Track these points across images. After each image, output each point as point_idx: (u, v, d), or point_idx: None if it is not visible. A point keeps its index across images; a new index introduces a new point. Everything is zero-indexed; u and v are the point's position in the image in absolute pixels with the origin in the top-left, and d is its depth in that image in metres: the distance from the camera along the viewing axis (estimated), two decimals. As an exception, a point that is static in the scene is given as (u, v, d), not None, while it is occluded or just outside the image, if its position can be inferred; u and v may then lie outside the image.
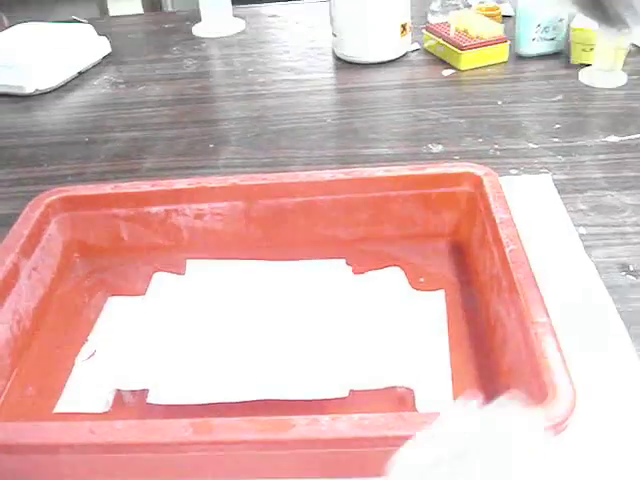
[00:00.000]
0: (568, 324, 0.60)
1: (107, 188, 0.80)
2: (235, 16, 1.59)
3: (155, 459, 0.55)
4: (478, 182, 0.74)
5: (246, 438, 0.51)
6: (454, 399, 0.61)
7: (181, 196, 0.79)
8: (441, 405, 0.60)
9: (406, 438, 0.50)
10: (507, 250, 0.64)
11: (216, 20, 1.55)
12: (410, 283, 0.72)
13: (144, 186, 0.80)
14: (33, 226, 0.75)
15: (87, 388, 0.66)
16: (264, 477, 0.56)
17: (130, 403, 0.63)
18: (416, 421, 0.51)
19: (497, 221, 0.68)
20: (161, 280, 0.74)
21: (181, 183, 0.79)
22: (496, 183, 0.73)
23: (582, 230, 0.81)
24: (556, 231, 0.81)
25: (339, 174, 0.78)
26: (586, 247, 0.78)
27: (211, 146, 1.08)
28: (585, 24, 1.17)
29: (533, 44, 1.24)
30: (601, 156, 0.96)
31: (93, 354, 0.69)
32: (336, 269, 0.73)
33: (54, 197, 0.79)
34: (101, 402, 0.64)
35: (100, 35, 1.44)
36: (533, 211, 0.83)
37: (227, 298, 0.70)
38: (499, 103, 1.12)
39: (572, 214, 0.83)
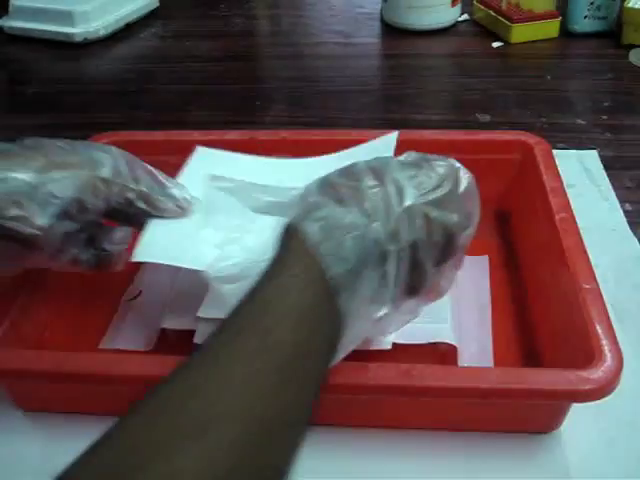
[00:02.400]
0: (611, 297, 0.61)
1: (158, 135, 0.81)
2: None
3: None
4: (529, 150, 0.74)
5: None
6: (494, 360, 0.62)
7: (232, 147, 0.79)
8: (481, 365, 0.61)
9: (451, 390, 0.51)
10: (557, 217, 0.64)
11: (265, -20, 1.55)
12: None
13: (195, 135, 0.80)
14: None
15: (132, 326, 0.67)
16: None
17: (175, 343, 0.64)
18: (461, 374, 0.52)
19: (547, 189, 0.67)
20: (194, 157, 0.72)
21: (232, 134, 0.80)
22: (547, 152, 0.73)
23: (628, 207, 0.81)
24: (601, 206, 0.81)
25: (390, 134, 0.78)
26: (631, 223, 0.78)
27: (257, 103, 1.08)
28: (638, 4, 1.15)
29: (584, 21, 1.23)
30: (650, 135, 0.95)
31: (139, 294, 0.71)
32: None
33: (106, 140, 0.79)
34: (146, 340, 0.65)
35: (149, -12, 1.45)
36: (579, 186, 0.83)
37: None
38: (548, 78, 1.11)
39: (618, 191, 0.83)
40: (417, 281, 0.48)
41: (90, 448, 0.36)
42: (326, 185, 0.47)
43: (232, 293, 0.53)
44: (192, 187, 0.63)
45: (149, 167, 0.61)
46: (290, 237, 0.44)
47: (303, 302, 0.41)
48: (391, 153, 0.64)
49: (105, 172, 0.56)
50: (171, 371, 0.38)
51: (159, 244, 0.58)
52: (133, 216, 0.59)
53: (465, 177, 0.51)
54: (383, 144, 0.67)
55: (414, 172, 0.48)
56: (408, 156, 0.51)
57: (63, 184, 0.54)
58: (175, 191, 0.61)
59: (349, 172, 0.48)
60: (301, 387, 0.40)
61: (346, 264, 0.43)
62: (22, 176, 0.53)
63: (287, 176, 0.66)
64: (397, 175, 0.47)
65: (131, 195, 0.58)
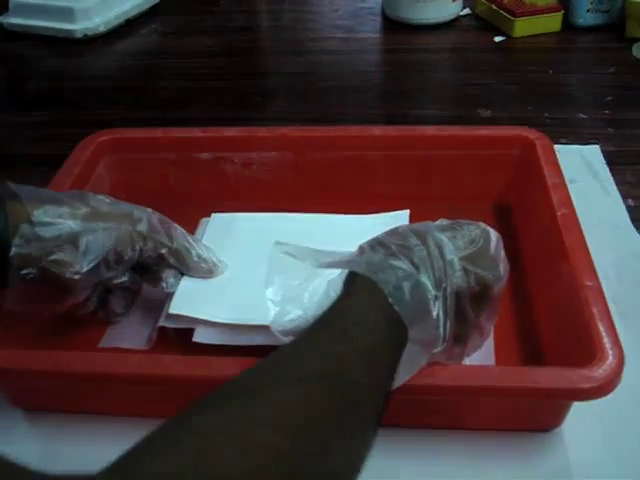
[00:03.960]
0: (613, 294, 0.60)
1: (157, 132, 0.81)
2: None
3: (200, 395, 0.55)
4: (531, 145, 0.73)
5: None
6: (495, 358, 0.61)
7: (231, 144, 0.79)
8: (483, 363, 0.60)
9: (450, 388, 0.51)
10: (558, 213, 0.63)
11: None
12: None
13: (194, 132, 0.80)
14: (83, 165, 0.76)
15: (131, 325, 0.67)
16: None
17: (174, 342, 0.63)
18: (461, 373, 0.52)
19: (549, 185, 0.67)
20: (211, 223, 0.74)
21: (231, 131, 0.80)
22: (548, 147, 0.72)
23: (630, 202, 0.80)
24: (603, 202, 0.80)
25: (390, 130, 0.78)
26: (633, 219, 0.77)
27: (258, 99, 1.08)
28: (641, -2, 1.15)
29: (587, 15, 1.22)
30: (652, 130, 0.95)
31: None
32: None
33: (105, 138, 0.79)
34: (145, 339, 0.65)
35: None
36: (581, 181, 0.82)
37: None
38: (550, 72, 1.11)
39: (620, 186, 0.83)
40: (462, 327, 0.51)
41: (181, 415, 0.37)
42: (377, 244, 0.51)
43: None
44: (217, 250, 0.68)
45: (181, 228, 0.65)
46: (356, 277, 0.49)
47: (378, 318, 0.46)
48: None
49: (143, 227, 0.61)
50: (253, 365, 0.42)
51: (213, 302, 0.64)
52: (156, 272, 0.64)
53: (494, 237, 0.55)
54: (397, 218, 0.72)
55: (450, 233, 0.53)
56: (442, 221, 0.56)
57: (104, 234, 0.58)
58: (204, 252, 0.66)
59: (396, 233, 0.53)
60: (374, 389, 0.44)
61: (405, 304, 0.47)
62: (68, 223, 0.56)
63: (317, 234, 0.71)
64: (437, 235, 0.52)
65: (164, 251, 0.63)
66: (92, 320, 0.65)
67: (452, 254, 0.51)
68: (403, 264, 0.49)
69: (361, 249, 0.52)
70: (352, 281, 0.49)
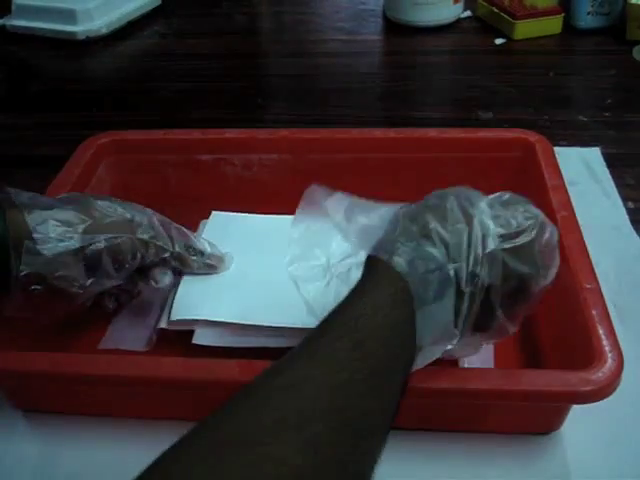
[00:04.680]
0: (613, 296, 0.60)
1: (158, 134, 0.81)
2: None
3: (200, 397, 0.55)
4: (530, 148, 0.73)
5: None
6: (495, 361, 0.61)
7: (231, 146, 0.79)
8: (482, 366, 0.60)
9: (449, 392, 0.51)
10: (558, 216, 0.63)
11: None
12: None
13: (195, 134, 0.80)
14: (84, 166, 0.76)
15: (131, 327, 0.67)
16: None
17: (174, 343, 0.63)
18: (461, 376, 0.52)
19: (548, 187, 0.67)
20: (210, 221, 0.75)
21: (232, 133, 0.80)
22: (548, 150, 0.72)
23: (630, 204, 0.80)
24: (603, 204, 0.81)
25: (391, 132, 0.78)
26: (633, 221, 0.77)
27: (259, 101, 1.08)
28: (642, 0, 1.15)
29: (588, 17, 1.22)
30: (653, 132, 0.95)
31: (138, 295, 0.70)
32: None
33: (105, 139, 0.80)
34: (145, 341, 0.65)
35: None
36: (581, 183, 0.82)
37: (275, 246, 0.70)
38: (551, 74, 1.11)
39: (620, 188, 0.83)
40: (485, 321, 0.48)
41: (194, 430, 0.37)
42: (415, 217, 0.48)
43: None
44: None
45: (182, 228, 0.66)
46: (378, 263, 0.46)
47: (393, 319, 0.43)
48: None
49: (144, 234, 0.61)
50: (267, 368, 0.40)
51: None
52: (158, 273, 0.64)
53: (549, 230, 0.50)
54: None
55: (502, 215, 0.49)
56: (502, 195, 0.52)
57: (106, 247, 0.58)
58: (207, 248, 0.67)
59: (440, 204, 0.50)
60: (386, 397, 0.42)
61: (426, 296, 0.45)
62: (70, 237, 0.56)
63: None
64: (484, 220, 0.48)
65: (166, 255, 0.63)
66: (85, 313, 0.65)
67: (495, 244, 0.46)
68: (436, 252, 0.45)
69: (396, 218, 0.49)
70: (375, 268, 0.46)
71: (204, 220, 0.75)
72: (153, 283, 0.64)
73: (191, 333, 0.62)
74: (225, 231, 0.73)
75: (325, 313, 0.44)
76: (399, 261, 0.45)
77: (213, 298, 0.65)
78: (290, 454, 0.35)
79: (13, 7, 1.36)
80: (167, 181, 0.81)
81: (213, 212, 0.76)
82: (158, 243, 0.62)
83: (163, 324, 0.64)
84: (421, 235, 0.46)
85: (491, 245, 0.46)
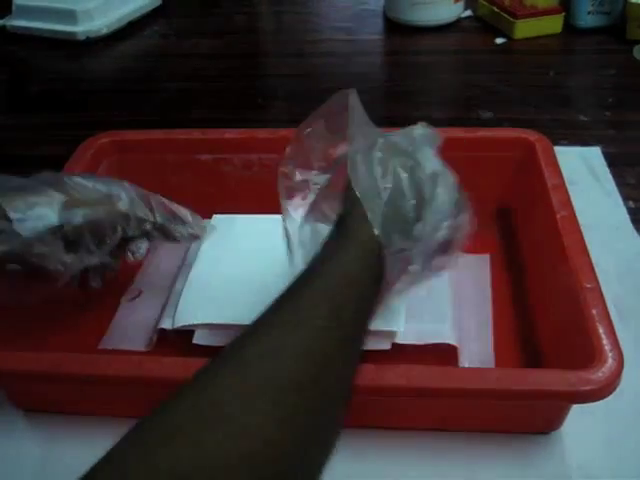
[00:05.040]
0: (613, 295, 0.60)
1: (158, 134, 0.81)
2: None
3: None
4: (531, 148, 0.73)
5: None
6: (495, 360, 0.61)
7: (231, 145, 0.79)
8: (482, 365, 0.60)
9: (450, 391, 0.51)
10: (558, 216, 0.63)
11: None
12: (456, 245, 0.72)
13: (195, 133, 0.80)
14: (84, 167, 0.76)
15: (132, 327, 0.67)
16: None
17: (174, 343, 0.63)
18: (460, 376, 0.52)
19: (548, 187, 0.67)
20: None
21: (231, 133, 0.80)
22: (548, 149, 0.72)
23: (631, 204, 0.80)
24: (604, 203, 0.80)
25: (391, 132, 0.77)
26: (634, 221, 0.77)
27: (259, 101, 1.08)
28: (642, -1, 1.15)
29: (588, 17, 1.22)
30: (653, 132, 0.95)
31: (138, 295, 0.71)
32: None
33: (106, 139, 0.80)
34: (145, 341, 0.65)
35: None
36: (582, 183, 0.82)
37: (276, 247, 0.70)
38: (551, 74, 1.11)
39: (621, 187, 0.83)
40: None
41: (171, 400, 0.37)
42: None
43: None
44: (218, 253, 0.70)
45: (161, 198, 0.65)
46: (354, 221, 0.48)
47: (364, 288, 0.45)
48: None
49: (123, 205, 0.60)
50: (242, 333, 0.40)
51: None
52: (134, 245, 0.63)
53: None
54: None
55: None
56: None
57: (85, 221, 0.57)
58: (188, 217, 0.66)
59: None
60: (354, 363, 0.43)
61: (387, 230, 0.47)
62: (47, 215, 0.55)
63: None
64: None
65: (148, 227, 0.62)
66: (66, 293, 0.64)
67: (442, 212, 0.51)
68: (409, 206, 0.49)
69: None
70: (351, 226, 0.47)
71: (204, 220, 0.75)
72: (130, 255, 0.63)
73: (191, 333, 0.62)
74: (226, 233, 0.73)
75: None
76: (374, 212, 0.47)
77: (215, 301, 0.65)
78: (267, 425, 0.35)
79: (13, 7, 1.36)
80: (167, 181, 0.81)
81: (214, 215, 0.75)
82: (138, 215, 0.61)
83: (164, 325, 0.64)
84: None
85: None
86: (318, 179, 0.57)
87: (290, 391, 0.37)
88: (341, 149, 0.55)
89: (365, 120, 0.56)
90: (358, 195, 0.48)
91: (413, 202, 0.50)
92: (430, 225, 0.50)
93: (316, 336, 0.40)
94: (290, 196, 0.58)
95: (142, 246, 0.64)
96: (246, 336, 0.40)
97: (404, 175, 0.50)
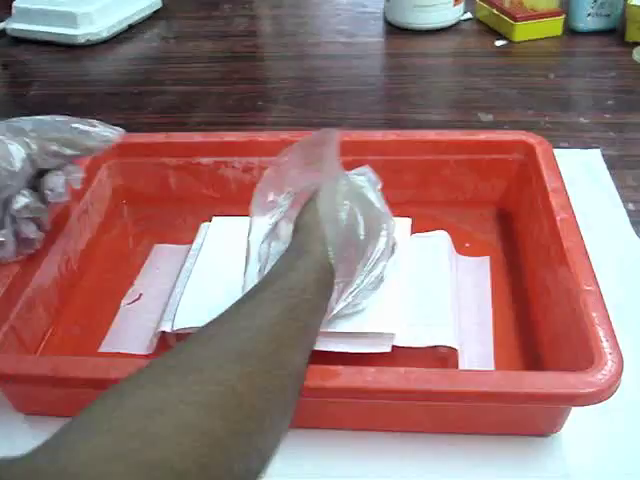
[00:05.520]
0: (613, 298, 0.60)
1: (159, 137, 0.81)
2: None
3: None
4: (530, 150, 0.73)
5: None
6: (495, 363, 0.61)
7: (231, 149, 0.79)
8: (482, 368, 0.60)
9: (450, 394, 0.51)
10: (558, 218, 0.63)
11: (267, -20, 1.55)
12: (456, 248, 0.72)
13: (195, 137, 0.80)
14: (84, 170, 0.76)
15: (132, 330, 0.67)
16: (305, 425, 0.57)
17: (174, 346, 0.63)
18: (460, 378, 0.52)
19: (548, 189, 0.67)
20: (211, 227, 0.75)
21: (232, 136, 0.80)
22: (549, 152, 0.72)
23: (631, 206, 0.80)
24: (604, 206, 0.80)
25: (391, 134, 0.78)
26: (634, 223, 0.77)
27: (260, 103, 1.08)
28: (642, 1, 1.15)
29: (588, 19, 1.22)
30: (653, 134, 0.95)
31: (138, 298, 0.71)
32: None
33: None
34: (145, 344, 0.65)
35: (152, -11, 1.45)
36: (581, 185, 0.82)
37: None
38: (551, 76, 1.11)
39: (621, 190, 0.83)
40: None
41: (151, 361, 0.42)
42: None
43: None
44: (217, 256, 0.71)
45: (67, 117, 0.62)
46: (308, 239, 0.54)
47: (317, 292, 0.51)
48: (408, 234, 0.71)
49: (24, 125, 0.58)
50: (212, 319, 0.47)
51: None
52: (50, 179, 0.60)
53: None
54: (399, 224, 0.70)
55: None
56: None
57: None
58: (97, 125, 0.62)
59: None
60: (307, 352, 0.48)
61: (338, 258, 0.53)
62: None
63: None
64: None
65: (55, 147, 0.59)
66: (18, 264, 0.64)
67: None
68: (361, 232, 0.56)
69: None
70: (304, 243, 0.53)
71: (205, 223, 0.76)
72: (49, 193, 0.60)
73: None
74: (226, 236, 0.73)
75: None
76: (331, 240, 0.53)
77: (215, 304, 0.64)
78: (231, 379, 0.40)
79: (14, 10, 1.36)
80: (168, 184, 0.81)
81: (213, 218, 0.75)
82: (42, 134, 0.59)
83: (164, 327, 0.64)
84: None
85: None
86: (285, 202, 0.61)
87: (252, 358, 0.42)
88: (309, 179, 0.59)
89: (336, 159, 0.59)
90: (319, 220, 0.53)
91: (362, 239, 0.55)
92: (370, 264, 0.57)
93: (275, 323, 0.45)
94: (260, 214, 0.61)
95: (59, 183, 0.61)
96: (216, 321, 0.46)
97: (359, 214, 0.56)
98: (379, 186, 0.63)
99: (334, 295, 0.53)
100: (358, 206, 0.56)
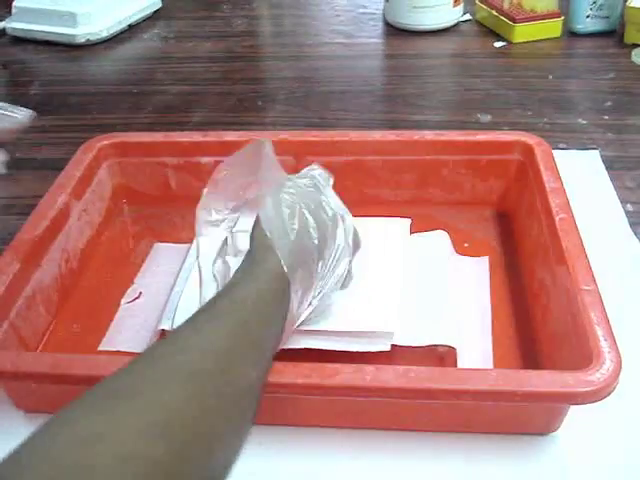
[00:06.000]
0: (611, 298, 0.60)
1: (158, 136, 0.81)
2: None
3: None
4: (529, 151, 0.74)
5: (291, 382, 0.51)
6: (494, 361, 0.62)
7: (231, 148, 0.79)
8: (481, 366, 0.61)
9: (449, 392, 0.51)
10: (557, 218, 0.64)
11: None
12: (455, 247, 0.72)
13: (195, 136, 0.80)
14: (85, 169, 0.76)
15: (131, 328, 0.67)
16: (304, 424, 0.57)
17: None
18: (459, 377, 0.52)
19: (547, 190, 0.67)
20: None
21: (232, 135, 0.80)
22: (548, 153, 0.73)
23: (629, 207, 0.81)
24: (602, 206, 0.81)
25: (390, 135, 0.78)
26: (632, 224, 0.78)
27: (259, 103, 1.08)
28: (640, 4, 1.15)
29: (587, 21, 1.23)
30: (652, 135, 0.95)
31: (138, 297, 0.71)
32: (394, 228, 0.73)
33: (106, 142, 0.80)
34: (145, 342, 0.65)
35: (152, -11, 1.45)
36: (580, 186, 0.82)
37: None
38: (550, 77, 1.11)
39: (619, 191, 0.83)
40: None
41: (95, 386, 0.40)
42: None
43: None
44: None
45: None
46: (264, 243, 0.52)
47: (272, 305, 0.49)
48: (407, 235, 0.72)
49: None
50: (161, 339, 0.47)
51: None
52: None
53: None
54: (398, 224, 0.73)
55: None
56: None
57: None
58: (7, 111, 0.60)
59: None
60: (262, 365, 0.47)
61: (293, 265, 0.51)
62: None
63: None
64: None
65: None
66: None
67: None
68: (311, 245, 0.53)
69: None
70: (256, 257, 0.51)
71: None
72: None
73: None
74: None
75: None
76: (282, 248, 0.51)
77: None
78: (177, 401, 0.38)
79: (13, 10, 1.36)
80: (168, 183, 0.82)
81: None
82: None
83: (163, 326, 0.64)
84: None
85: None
86: (231, 218, 0.62)
87: (201, 376, 0.41)
88: (252, 191, 0.60)
89: (276, 166, 0.59)
90: (267, 234, 0.52)
91: (317, 242, 0.54)
92: (330, 264, 0.56)
93: (225, 337, 0.44)
94: (205, 233, 0.63)
95: None
96: (166, 338, 0.45)
97: (309, 216, 0.55)
98: (331, 181, 0.62)
99: (294, 303, 0.51)
100: (308, 208, 0.55)
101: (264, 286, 0.49)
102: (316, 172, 0.62)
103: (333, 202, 0.60)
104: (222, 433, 0.40)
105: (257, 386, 0.45)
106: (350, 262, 0.59)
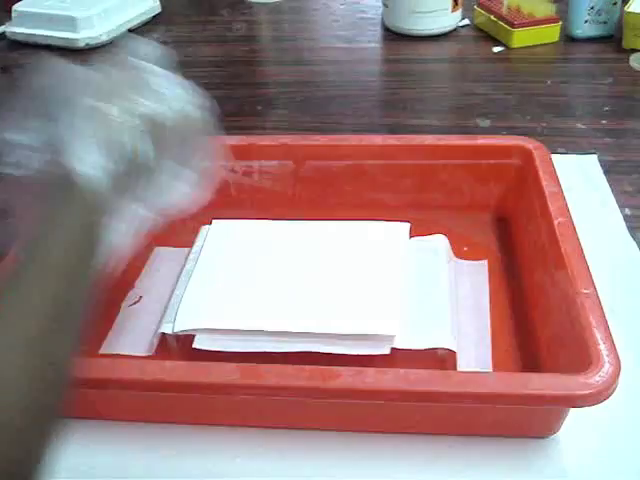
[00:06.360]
0: (610, 301, 0.61)
1: (159, 140, 0.81)
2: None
3: (200, 401, 0.56)
4: (528, 155, 0.74)
5: (293, 384, 0.52)
6: (493, 365, 0.62)
7: (231, 153, 0.79)
8: (480, 370, 0.61)
9: (449, 395, 0.51)
10: (555, 222, 0.64)
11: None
12: (454, 251, 0.73)
13: (195, 140, 0.80)
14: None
15: (132, 332, 0.68)
16: (305, 427, 0.57)
17: (174, 348, 0.64)
18: (459, 380, 0.52)
19: (546, 194, 0.68)
20: (211, 230, 0.75)
21: (232, 140, 0.80)
22: (546, 157, 0.73)
23: (627, 211, 0.81)
24: (601, 211, 0.81)
25: (390, 139, 0.78)
26: (630, 228, 0.78)
27: (259, 108, 1.09)
28: (639, 8, 1.15)
29: (585, 26, 1.23)
30: (650, 140, 0.95)
31: (139, 300, 0.71)
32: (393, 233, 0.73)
33: (107, 146, 0.80)
34: (146, 346, 0.65)
35: (151, -6, 1.45)
36: (579, 190, 0.83)
37: (275, 252, 0.71)
38: (548, 82, 1.12)
39: (617, 195, 0.83)
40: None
41: None
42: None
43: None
44: (217, 258, 0.71)
45: None
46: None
47: (83, 256, 0.47)
48: (406, 239, 0.71)
49: None
50: None
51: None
52: None
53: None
54: (396, 228, 0.72)
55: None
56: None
57: None
58: None
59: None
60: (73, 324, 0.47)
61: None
62: None
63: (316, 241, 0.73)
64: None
65: None
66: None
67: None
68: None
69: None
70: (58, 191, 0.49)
71: (205, 226, 0.76)
72: None
73: (192, 338, 0.63)
74: (226, 239, 0.73)
75: None
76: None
77: (216, 306, 0.65)
78: None
79: (13, 14, 1.36)
80: (168, 187, 0.82)
81: (214, 221, 0.76)
82: None
83: (164, 329, 0.64)
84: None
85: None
86: None
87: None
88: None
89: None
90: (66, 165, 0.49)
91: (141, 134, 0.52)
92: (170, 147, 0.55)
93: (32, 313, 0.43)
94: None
95: None
96: None
97: (122, 113, 0.52)
98: (158, 52, 0.58)
99: (116, 226, 0.51)
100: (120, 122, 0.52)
101: (71, 237, 0.47)
102: (144, 49, 0.59)
103: (159, 79, 0.56)
104: (40, 428, 0.40)
105: (72, 347, 0.46)
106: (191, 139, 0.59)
